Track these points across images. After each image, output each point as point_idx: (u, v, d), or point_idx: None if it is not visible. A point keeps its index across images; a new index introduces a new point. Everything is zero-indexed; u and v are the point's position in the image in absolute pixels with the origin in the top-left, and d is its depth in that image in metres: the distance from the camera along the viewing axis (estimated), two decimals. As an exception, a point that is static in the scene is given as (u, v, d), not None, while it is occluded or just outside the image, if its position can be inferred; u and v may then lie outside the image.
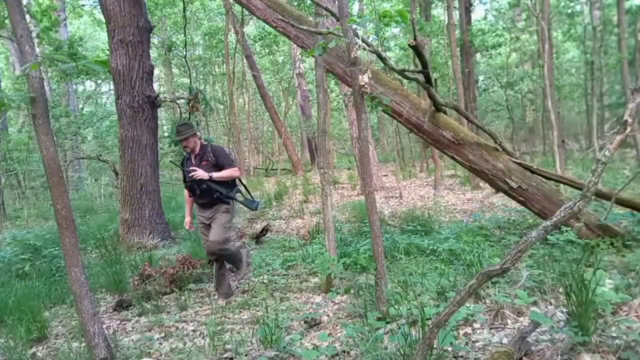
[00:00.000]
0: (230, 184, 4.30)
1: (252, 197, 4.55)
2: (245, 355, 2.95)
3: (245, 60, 16.83)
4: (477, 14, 35.97)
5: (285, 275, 4.82)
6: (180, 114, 10.55)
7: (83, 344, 3.15)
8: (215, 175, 4.14)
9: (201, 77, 21.57)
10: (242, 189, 4.49)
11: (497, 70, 18.79)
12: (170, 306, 4.24)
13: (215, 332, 3.25)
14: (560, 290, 3.30)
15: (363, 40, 3.49)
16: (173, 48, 17.16)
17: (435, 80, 4.64)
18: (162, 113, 19.18)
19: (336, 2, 3.80)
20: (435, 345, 2.38)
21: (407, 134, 15.49)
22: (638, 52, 13.26)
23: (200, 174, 4.11)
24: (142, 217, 6.97)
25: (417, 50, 4.45)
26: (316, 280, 4.58)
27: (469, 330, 3.00)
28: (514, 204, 5.78)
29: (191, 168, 4.18)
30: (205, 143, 4.37)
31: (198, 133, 4.38)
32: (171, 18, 18.29)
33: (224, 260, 4.33)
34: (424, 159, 15.48)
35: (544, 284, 3.47)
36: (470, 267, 3.93)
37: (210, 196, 4.17)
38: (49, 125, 2.85)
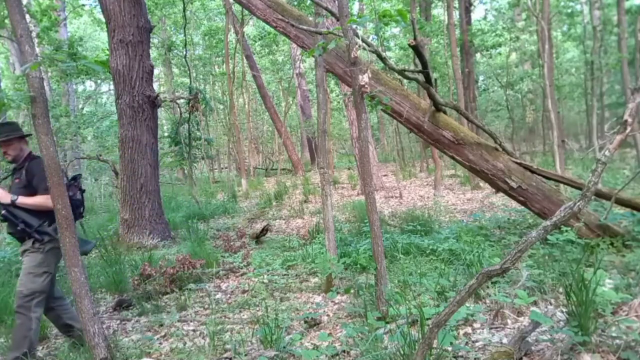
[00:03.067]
0: (49, 215, 3.13)
1: (85, 236, 3.48)
2: (245, 355, 2.95)
3: (245, 60, 16.84)
4: (477, 14, 36.05)
5: (285, 275, 4.82)
6: (180, 114, 10.55)
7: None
8: (21, 200, 3.13)
9: (201, 77, 21.58)
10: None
11: (497, 70, 18.81)
12: (170, 306, 4.24)
13: (215, 332, 3.25)
14: (560, 290, 3.30)
15: (363, 40, 3.49)
16: (173, 48, 17.17)
17: (435, 80, 4.61)
18: (162, 113, 19.20)
19: (336, 2, 3.80)
20: (435, 345, 2.38)
21: (407, 134, 15.52)
22: (638, 52, 13.25)
23: None
24: (142, 217, 6.96)
25: (417, 50, 4.44)
26: (316, 280, 4.58)
27: (469, 330, 3.00)
28: (514, 204, 5.78)
29: None
30: (35, 155, 3.31)
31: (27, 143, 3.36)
32: (171, 18, 18.30)
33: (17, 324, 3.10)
34: (424, 159, 15.49)
35: (544, 284, 3.47)
36: (470, 267, 3.93)
37: (14, 227, 3.17)
38: (49, 125, 2.85)
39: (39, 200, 3.15)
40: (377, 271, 3.38)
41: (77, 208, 3.34)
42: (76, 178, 3.49)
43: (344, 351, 2.84)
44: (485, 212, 7.04)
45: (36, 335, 3.14)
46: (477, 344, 2.79)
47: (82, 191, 3.48)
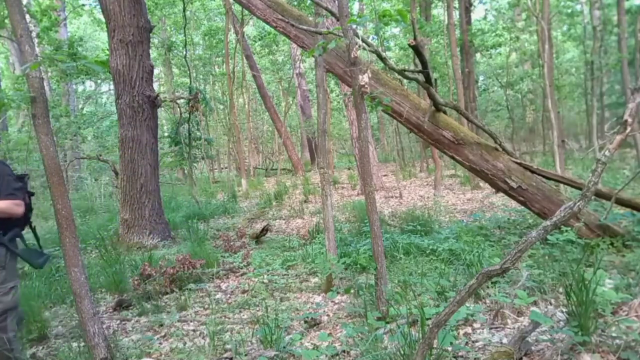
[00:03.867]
0: (4, 223, 2.81)
1: (40, 247, 3.08)
2: (245, 355, 2.95)
3: (245, 60, 16.84)
4: (477, 13, 35.96)
5: (285, 275, 4.82)
6: (180, 114, 10.55)
7: (83, 344, 3.15)
8: None
9: (201, 77, 21.57)
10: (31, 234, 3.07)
11: (497, 70, 18.81)
12: (170, 306, 4.24)
13: (215, 332, 3.25)
14: (560, 290, 3.30)
15: (363, 40, 3.49)
16: (173, 48, 17.17)
17: (435, 80, 4.62)
18: (162, 113, 19.20)
19: (336, 2, 3.80)
20: (435, 345, 2.38)
21: (407, 134, 15.52)
22: (638, 52, 13.25)
23: None
24: (142, 217, 6.97)
25: (417, 50, 4.44)
26: (316, 280, 4.58)
27: (469, 330, 3.00)
28: (514, 204, 5.78)
29: None
30: None
31: None
32: (171, 18, 18.30)
33: None
34: (424, 159, 15.49)
35: (544, 284, 3.47)
36: (470, 267, 3.93)
37: None
38: (49, 125, 2.85)
39: (2, 206, 2.75)
40: (377, 271, 3.38)
41: (26, 212, 2.97)
42: (22, 178, 2.98)
43: (344, 351, 2.84)
44: (485, 212, 7.04)
45: (19, 353, 2.85)
46: (477, 344, 2.79)
47: (30, 194, 3.04)
